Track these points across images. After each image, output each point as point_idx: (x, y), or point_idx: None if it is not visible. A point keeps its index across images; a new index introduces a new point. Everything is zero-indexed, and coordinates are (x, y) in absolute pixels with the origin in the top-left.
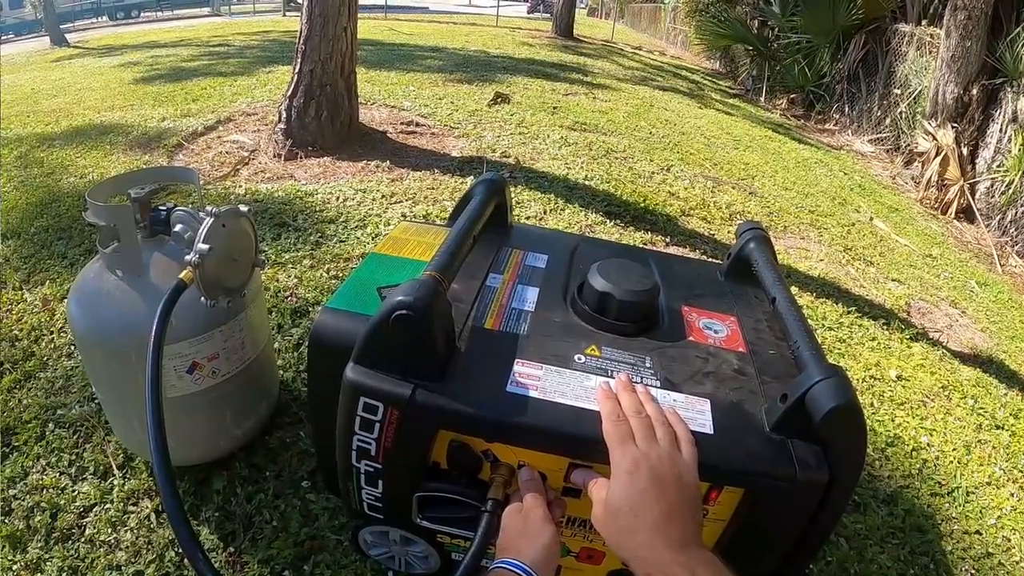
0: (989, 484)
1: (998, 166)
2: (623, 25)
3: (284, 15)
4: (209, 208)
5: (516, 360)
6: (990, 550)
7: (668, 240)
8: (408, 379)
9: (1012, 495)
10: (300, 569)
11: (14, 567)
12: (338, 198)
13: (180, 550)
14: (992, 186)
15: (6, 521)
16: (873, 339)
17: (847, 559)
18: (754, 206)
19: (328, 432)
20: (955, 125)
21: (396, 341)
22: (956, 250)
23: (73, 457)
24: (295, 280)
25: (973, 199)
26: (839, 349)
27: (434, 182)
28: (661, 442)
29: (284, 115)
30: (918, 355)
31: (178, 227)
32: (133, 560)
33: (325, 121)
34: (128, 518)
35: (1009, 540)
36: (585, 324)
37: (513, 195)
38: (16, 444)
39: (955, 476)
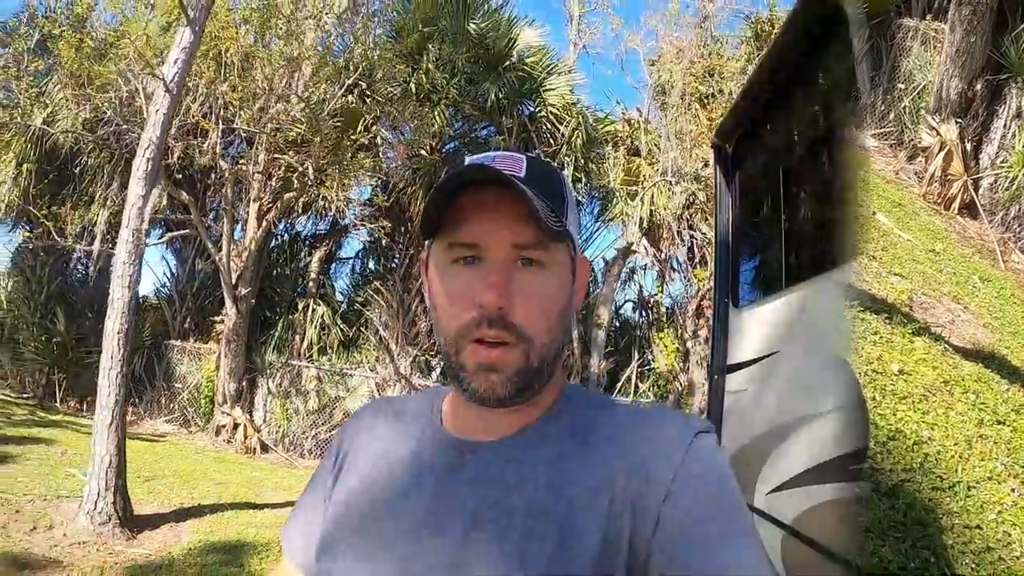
0: (990, 479)
1: (1002, 162)
2: None
3: None
4: None
5: None
6: (991, 545)
7: None
8: None
9: (1013, 490)
10: None
11: None
12: None
13: None
14: (995, 182)
15: None
16: (875, 333)
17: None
18: None
19: None
20: (959, 120)
21: None
22: (959, 245)
23: None
24: None
25: (976, 194)
26: None
27: None
28: None
29: None
30: (920, 350)
31: None
32: None
33: None
34: None
35: (1010, 535)
36: None
37: None
38: None
39: (956, 471)
